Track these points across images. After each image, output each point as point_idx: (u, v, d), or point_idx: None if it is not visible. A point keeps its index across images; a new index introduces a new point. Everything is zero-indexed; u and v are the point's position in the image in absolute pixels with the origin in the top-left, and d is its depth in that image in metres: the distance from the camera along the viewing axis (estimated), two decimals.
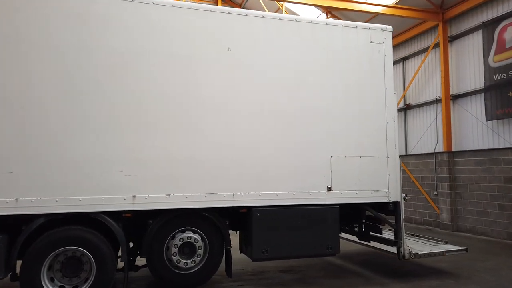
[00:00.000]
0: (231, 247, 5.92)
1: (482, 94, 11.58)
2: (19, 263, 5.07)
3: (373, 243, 7.30)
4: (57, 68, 5.20)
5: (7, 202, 4.90)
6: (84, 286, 5.14)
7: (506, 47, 10.91)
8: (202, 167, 5.66)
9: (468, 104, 12.25)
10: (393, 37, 14.74)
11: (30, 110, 5.06)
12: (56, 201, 5.05)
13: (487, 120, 11.37)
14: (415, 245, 7.24)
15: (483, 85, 11.51)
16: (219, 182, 5.74)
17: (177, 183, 5.54)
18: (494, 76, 11.21)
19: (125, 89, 5.41)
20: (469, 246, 9.68)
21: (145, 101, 5.48)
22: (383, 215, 6.84)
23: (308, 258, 8.15)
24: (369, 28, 6.68)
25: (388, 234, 7.83)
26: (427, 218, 13.61)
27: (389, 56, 6.74)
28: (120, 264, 5.43)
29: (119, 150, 5.33)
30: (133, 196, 5.35)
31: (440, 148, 12.97)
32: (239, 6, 18.76)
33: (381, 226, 7.13)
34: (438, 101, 13.20)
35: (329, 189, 6.26)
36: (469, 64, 12.24)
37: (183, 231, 5.70)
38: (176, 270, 5.61)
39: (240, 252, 6.58)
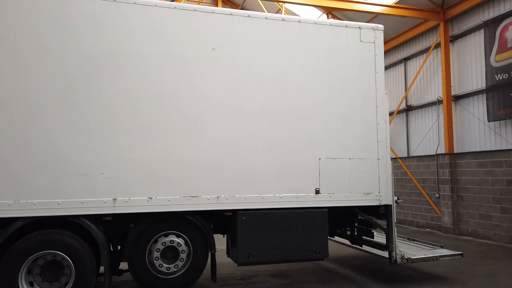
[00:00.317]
0: (215, 251, 5.79)
1: (484, 95, 11.33)
2: None
3: (365, 247, 7.12)
4: (39, 68, 5.13)
5: None
6: None
7: (508, 46, 10.66)
8: (185, 170, 5.55)
9: (470, 105, 12.00)
10: (394, 37, 14.77)
11: (7, 112, 4.99)
12: (34, 204, 4.98)
13: (489, 121, 11.11)
14: (409, 250, 7.05)
15: (485, 86, 11.27)
16: (203, 184, 5.63)
17: (159, 185, 5.44)
18: (496, 76, 10.96)
19: (105, 92, 5.32)
20: (470, 250, 9.48)
21: (126, 103, 5.38)
22: (374, 218, 6.67)
23: (302, 262, 8.01)
24: (359, 27, 6.52)
25: (382, 238, 7.66)
26: (429, 221, 13.35)
27: (380, 56, 6.57)
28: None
29: (100, 152, 5.24)
30: (113, 199, 5.26)
31: (442, 149, 12.72)
32: (239, 7, 18.66)
33: (373, 230, 6.96)
34: (439, 102, 12.96)
35: (317, 192, 6.11)
36: (471, 64, 11.99)
37: (166, 235, 5.59)
38: (158, 275, 5.50)
39: (228, 256, 6.46)
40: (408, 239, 7.97)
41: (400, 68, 15.20)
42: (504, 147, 10.75)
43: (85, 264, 5.12)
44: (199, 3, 18.53)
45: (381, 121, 6.49)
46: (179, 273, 5.59)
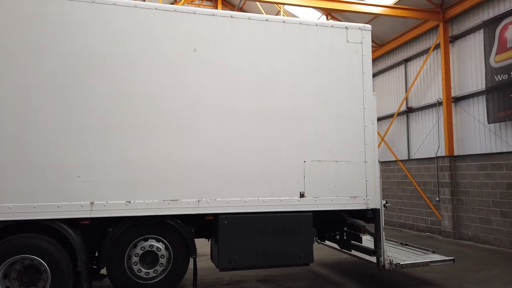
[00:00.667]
0: (196, 256, 5.68)
1: (484, 96, 11.09)
2: None
3: (354, 252, 6.96)
4: (17, 69, 5.09)
5: None
6: None
7: (508, 46, 10.43)
8: (164, 173, 5.45)
9: (470, 107, 11.76)
10: (395, 39, 14.59)
11: None
12: (10, 208, 4.92)
13: (489, 122, 10.87)
14: (400, 255, 6.87)
15: (485, 87, 11.03)
16: (183, 188, 5.53)
17: (138, 189, 5.35)
18: (495, 77, 10.72)
19: (83, 95, 5.25)
20: (468, 256, 9.25)
21: (102, 105, 5.31)
22: (362, 222, 6.51)
23: (291, 267, 7.87)
24: (346, 27, 6.39)
25: (371, 243, 7.50)
26: (429, 225, 13.10)
27: (368, 56, 6.43)
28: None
29: (77, 155, 5.17)
30: (90, 203, 5.18)
31: (442, 152, 12.48)
32: (240, 9, 18.62)
33: (361, 235, 6.79)
34: (439, 103, 12.73)
35: (302, 195, 5.97)
36: (471, 64, 11.77)
37: (146, 239, 5.50)
38: (137, 280, 5.40)
39: (212, 261, 6.35)
40: (401, 243, 7.78)
41: (401, 70, 15.00)
42: (504, 150, 10.50)
43: (61, 269, 5.05)
44: (199, 5, 18.53)
45: (369, 123, 6.34)
46: (158, 278, 5.49)
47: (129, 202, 5.31)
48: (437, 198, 12.58)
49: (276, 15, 16.32)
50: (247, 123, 5.84)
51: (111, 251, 5.33)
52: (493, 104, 10.76)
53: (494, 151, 10.81)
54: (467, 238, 11.50)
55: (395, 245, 7.74)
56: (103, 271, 5.52)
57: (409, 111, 14.29)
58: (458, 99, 12.16)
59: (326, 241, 7.75)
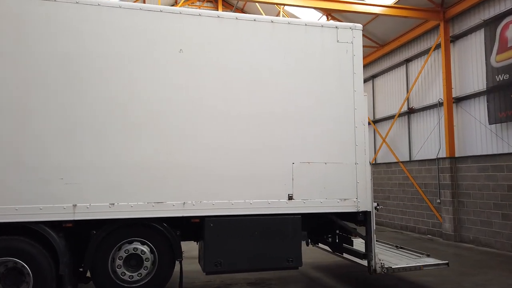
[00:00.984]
0: (182, 259, 5.60)
1: (485, 96, 10.89)
2: None
3: (346, 255, 6.83)
4: None
5: None
6: None
7: (508, 45, 10.23)
8: (149, 175, 5.39)
9: (472, 107, 11.56)
10: (396, 39, 14.43)
11: None
12: None
13: (490, 123, 10.67)
14: (393, 258, 6.73)
15: (485, 87, 10.83)
16: (168, 190, 5.45)
17: (122, 191, 5.29)
18: (496, 76, 10.53)
19: (63, 97, 5.20)
20: (467, 259, 9.07)
21: (85, 105, 5.26)
22: (354, 225, 6.39)
23: (284, 271, 7.76)
24: (336, 27, 6.28)
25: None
26: (431, 227, 12.90)
27: (359, 56, 6.31)
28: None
29: (60, 157, 5.12)
30: (73, 205, 5.13)
31: (443, 153, 12.29)
32: (241, 10, 18.57)
33: (352, 238, 6.67)
34: (440, 104, 12.54)
35: (290, 197, 5.87)
36: (472, 64, 11.57)
37: (130, 242, 5.43)
38: (121, 283, 5.34)
39: (199, 264, 6.27)
40: (396, 246, 7.64)
41: (402, 70, 14.83)
42: (505, 151, 10.29)
43: (43, 272, 5.00)
44: (200, 7, 18.51)
45: (359, 124, 6.21)
46: (143, 282, 5.42)
47: (113, 204, 5.25)
48: (438, 200, 12.39)
49: (277, 16, 16.23)
50: (234, 125, 5.75)
51: (95, 254, 5.27)
52: (494, 105, 10.56)
53: (495, 152, 10.61)
54: (468, 241, 11.29)
55: (390, 248, 7.59)
56: (89, 274, 5.46)
57: (410, 112, 14.11)
58: (459, 100, 11.97)
59: (319, 243, 7.63)
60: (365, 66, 16.99)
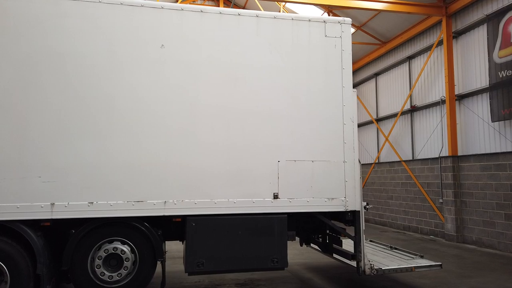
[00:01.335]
0: (163, 259, 5.49)
1: (488, 93, 10.59)
2: None
3: (336, 256, 6.65)
4: None
5: None
6: None
7: (511, 41, 9.92)
8: (129, 173, 5.28)
9: (474, 104, 11.26)
10: (398, 35, 14.17)
11: None
12: None
13: (492, 121, 10.37)
14: (386, 259, 6.53)
15: (488, 83, 10.54)
16: (149, 188, 5.34)
17: (101, 190, 5.19)
18: (499, 73, 10.23)
19: (42, 94, 5.12)
20: (467, 260, 8.81)
21: (63, 105, 5.16)
22: (344, 225, 6.21)
23: (276, 271, 7.61)
24: (324, 21, 6.10)
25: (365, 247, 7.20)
26: (433, 228, 12.62)
27: (348, 51, 6.12)
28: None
29: (37, 154, 5.04)
30: (51, 203, 5.04)
31: (446, 152, 12.00)
32: (243, 7, 18.43)
33: (341, 238, 6.49)
34: (443, 101, 12.25)
35: (275, 196, 5.71)
36: (475, 60, 11.28)
37: (111, 242, 5.33)
38: (100, 284, 5.24)
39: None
40: (390, 247, 7.43)
41: (405, 67, 14.55)
42: (509, 149, 9.99)
43: (20, 271, 4.93)
44: (201, 4, 18.42)
45: (348, 121, 6.03)
46: (123, 282, 5.31)
47: (92, 203, 5.15)
48: (441, 200, 12.10)
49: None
50: (217, 121, 5.61)
51: (74, 254, 5.18)
52: (497, 102, 10.26)
53: (498, 150, 10.31)
54: (470, 241, 11.00)
55: (384, 249, 7.39)
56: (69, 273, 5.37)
57: (413, 110, 13.83)
58: (462, 97, 11.68)
59: (311, 244, 7.45)
60: (368, 63, 16.75)
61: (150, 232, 5.41)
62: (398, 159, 14.43)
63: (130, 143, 5.32)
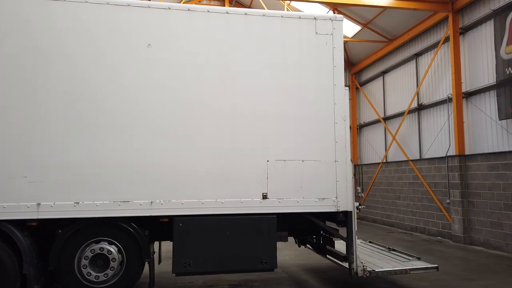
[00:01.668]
0: (150, 260, 5.46)
1: (495, 91, 10.28)
2: None
3: (330, 257, 6.52)
4: None
5: None
6: None
7: None
8: (114, 173, 5.26)
9: (482, 102, 10.95)
10: (405, 33, 13.92)
11: None
12: None
13: (500, 119, 10.07)
14: (381, 261, 6.38)
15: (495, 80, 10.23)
16: (135, 188, 5.31)
17: (87, 190, 5.18)
18: (506, 69, 9.92)
19: (29, 93, 5.14)
20: (472, 263, 8.57)
21: (47, 105, 5.17)
22: (332, 225, 6.08)
23: (271, 272, 7.52)
24: (315, 18, 5.99)
25: (362, 248, 7.09)
26: (440, 229, 12.33)
27: (339, 48, 6.00)
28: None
29: (23, 155, 5.06)
30: (37, 204, 5.06)
31: (453, 151, 11.71)
32: (248, 6, 18.36)
33: (334, 239, 6.36)
34: (450, 99, 11.95)
35: (264, 196, 5.63)
36: (482, 57, 10.97)
37: (98, 242, 5.32)
38: (87, 284, 5.23)
39: None
40: (388, 248, 7.26)
41: (412, 65, 14.27)
42: None
43: (7, 271, 4.96)
44: (207, 4, 18.42)
45: (340, 120, 5.90)
46: (110, 282, 5.30)
47: (78, 203, 5.15)
48: (448, 201, 11.81)
49: None
50: (205, 120, 5.56)
51: (61, 254, 5.19)
52: (504, 99, 9.95)
53: (506, 149, 10.00)
54: (478, 243, 10.70)
55: (382, 250, 7.23)
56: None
57: (421, 108, 13.54)
58: (469, 95, 11.37)
59: (307, 245, 7.34)
60: (375, 62, 16.50)
61: (137, 232, 5.39)
62: (406, 159, 14.16)
63: (116, 143, 5.31)
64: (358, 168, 17.71)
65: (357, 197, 17.36)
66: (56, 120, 5.18)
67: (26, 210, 5.04)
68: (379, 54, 15.81)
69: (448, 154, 11.86)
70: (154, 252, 5.75)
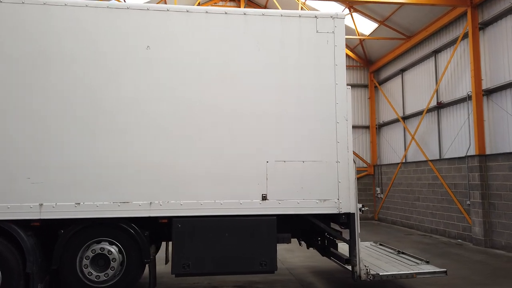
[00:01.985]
0: (149, 260, 5.49)
1: None
2: None
3: (334, 260, 6.39)
4: None
5: None
6: None
7: None
8: (114, 174, 5.33)
9: (503, 100, 10.52)
10: (423, 29, 13.57)
11: None
12: None
13: None
14: (388, 264, 6.21)
15: None
16: (135, 189, 5.36)
17: (87, 191, 5.27)
18: None
19: (31, 96, 5.27)
20: (488, 267, 8.23)
21: (50, 105, 5.30)
22: (339, 228, 5.96)
23: (278, 274, 7.46)
24: (315, 16, 5.89)
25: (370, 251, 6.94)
26: (461, 231, 11.92)
27: (341, 47, 5.87)
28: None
29: (26, 156, 5.20)
30: (40, 204, 5.19)
31: (473, 151, 11.30)
32: (264, 7, 18.33)
33: (337, 241, 6.23)
34: (470, 97, 11.54)
35: (264, 198, 5.57)
36: (503, 52, 10.53)
37: (99, 242, 5.41)
38: (88, 283, 5.32)
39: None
40: (398, 252, 7.06)
41: (430, 62, 13.87)
42: None
43: (11, 269, 5.11)
44: (224, 6, 18.49)
45: (341, 120, 5.78)
46: (111, 282, 5.36)
47: (78, 204, 5.25)
48: (468, 202, 11.40)
49: None
50: (204, 121, 5.56)
51: (63, 253, 5.30)
52: None
53: None
54: (499, 246, 10.28)
55: (390, 253, 7.04)
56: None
57: (440, 106, 13.14)
58: (490, 92, 10.95)
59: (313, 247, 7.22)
60: (393, 60, 16.14)
61: (136, 233, 5.44)
62: (425, 159, 13.77)
63: (116, 144, 5.37)
64: (377, 169, 17.36)
65: (375, 198, 16.99)
66: (57, 122, 5.29)
67: (29, 211, 5.17)
68: (397, 52, 15.45)
69: (468, 154, 11.45)
70: (155, 253, 5.78)
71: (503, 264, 8.61)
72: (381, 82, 17.41)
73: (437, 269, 5.93)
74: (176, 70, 5.58)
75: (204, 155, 5.52)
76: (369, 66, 17.88)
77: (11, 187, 5.16)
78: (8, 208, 5.14)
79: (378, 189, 17.15)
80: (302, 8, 15.12)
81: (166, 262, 6.68)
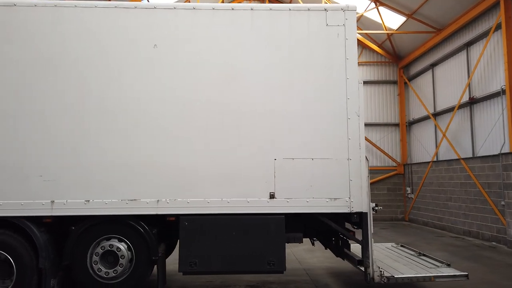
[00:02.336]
0: (157, 258, 5.50)
1: None
2: None
3: (347, 261, 6.17)
4: None
5: None
6: None
7: None
8: (122, 172, 5.39)
9: None
10: (453, 21, 12.98)
11: None
12: None
13: None
14: (406, 267, 5.94)
15: None
16: (143, 187, 5.40)
17: (97, 188, 5.36)
18: None
19: (40, 97, 5.42)
20: None
21: (61, 105, 5.42)
22: (352, 227, 5.75)
23: (291, 275, 7.32)
24: (325, 9, 5.71)
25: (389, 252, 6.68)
26: (495, 233, 11.27)
27: (352, 40, 5.67)
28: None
29: (39, 155, 5.35)
30: (51, 201, 5.32)
31: (507, 148, 10.66)
32: (289, 1, 18.13)
33: (349, 241, 6.01)
34: (504, 92, 10.90)
35: (272, 196, 5.46)
36: None
37: (108, 239, 5.48)
38: (98, 279, 5.40)
39: None
40: (419, 253, 6.74)
41: (462, 56, 13.23)
42: None
43: (24, 264, 5.27)
44: (250, 2, 18.45)
45: (353, 116, 5.57)
46: (120, 279, 5.42)
47: (88, 201, 5.34)
48: (502, 202, 10.76)
49: None
50: (211, 119, 5.52)
51: (74, 249, 5.41)
52: None
53: None
54: None
55: (411, 255, 6.73)
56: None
57: (472, 102, 12.50)
58: None
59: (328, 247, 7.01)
60: (423, 54, 15.53)
61: (145, 230, 5.47)
62: (457, 157, 13.14)
63: (124, 143, 5.44)
64: (408, 168, 16.77)
65: (405, 198, 16.36)
66: (67, 123, 5.42)
67: (41, 207, 5.32)
68: (427, 46, 14.85)
69: (502, 152, 10.81)
70: (164, 251, 5.80)
71: None
72: (411, 78, 16.80)
73: (458, 273, 5.61)
74: (182, 69, 5.59)
75: (211, 154, 5.48)
76: (398, 62, 17.30)
77: (24, 185, 5.32)
78: (22, 205, 5.30)
79: (408, 188, 16.56)
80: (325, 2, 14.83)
81: None
